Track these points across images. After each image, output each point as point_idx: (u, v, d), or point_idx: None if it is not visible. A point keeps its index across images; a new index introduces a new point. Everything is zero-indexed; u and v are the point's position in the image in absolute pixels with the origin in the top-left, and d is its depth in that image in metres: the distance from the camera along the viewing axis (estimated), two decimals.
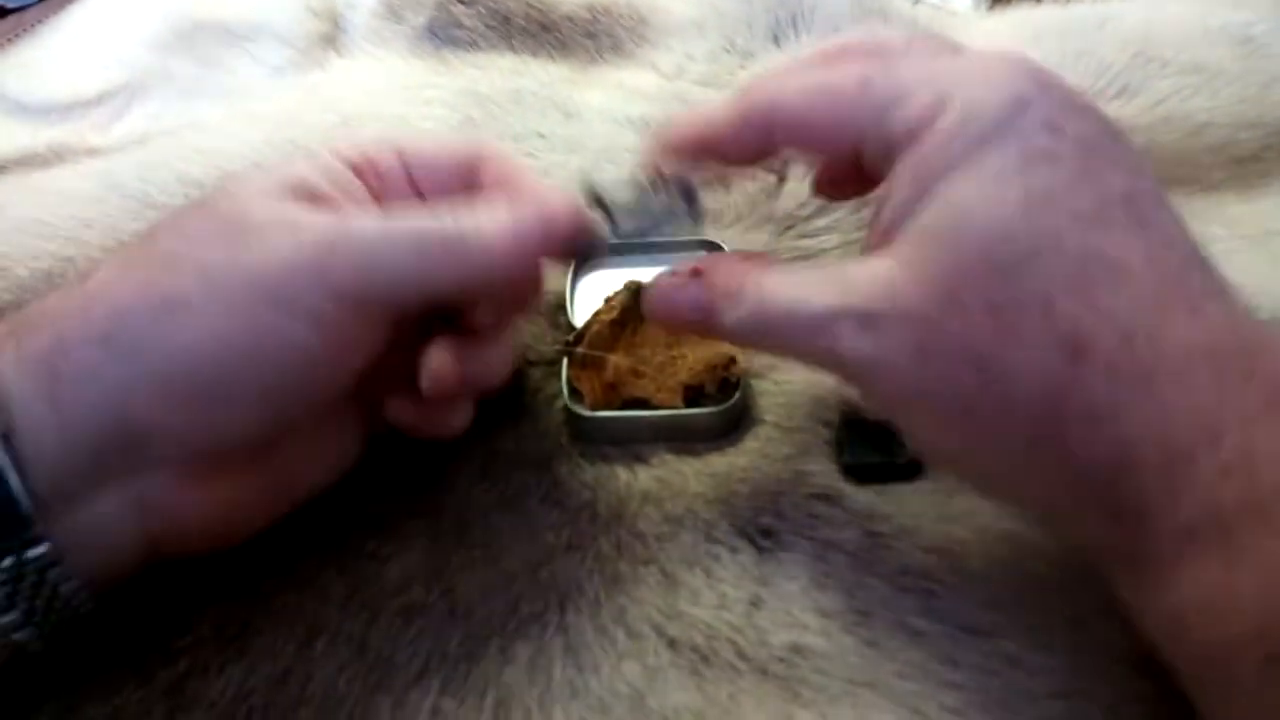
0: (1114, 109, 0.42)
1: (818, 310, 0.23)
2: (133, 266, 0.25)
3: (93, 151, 0.48)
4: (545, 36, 0.50)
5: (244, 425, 0.25)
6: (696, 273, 0.26)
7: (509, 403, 0.32)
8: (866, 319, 0.22)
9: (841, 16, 0.48)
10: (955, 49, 0.25)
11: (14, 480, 0.22)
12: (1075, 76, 0.44)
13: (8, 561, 0.22)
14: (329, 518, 0.29)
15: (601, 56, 0.49)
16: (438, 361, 0.27)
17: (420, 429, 0.29)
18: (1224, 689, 0.20)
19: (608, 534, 0.28)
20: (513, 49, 0.50)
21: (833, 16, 0.48)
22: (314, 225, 0.25)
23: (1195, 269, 0.22)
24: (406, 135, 0.32)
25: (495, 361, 0.29)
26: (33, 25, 0.55)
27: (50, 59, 0.53)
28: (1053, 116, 0.22)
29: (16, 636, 0.23)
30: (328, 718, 0.25)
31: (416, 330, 0.28)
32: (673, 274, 0.27)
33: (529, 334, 0.35)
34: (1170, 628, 0.21)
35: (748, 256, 0.28)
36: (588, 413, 0.31)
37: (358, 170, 0.28)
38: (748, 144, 0.26)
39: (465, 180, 0.29)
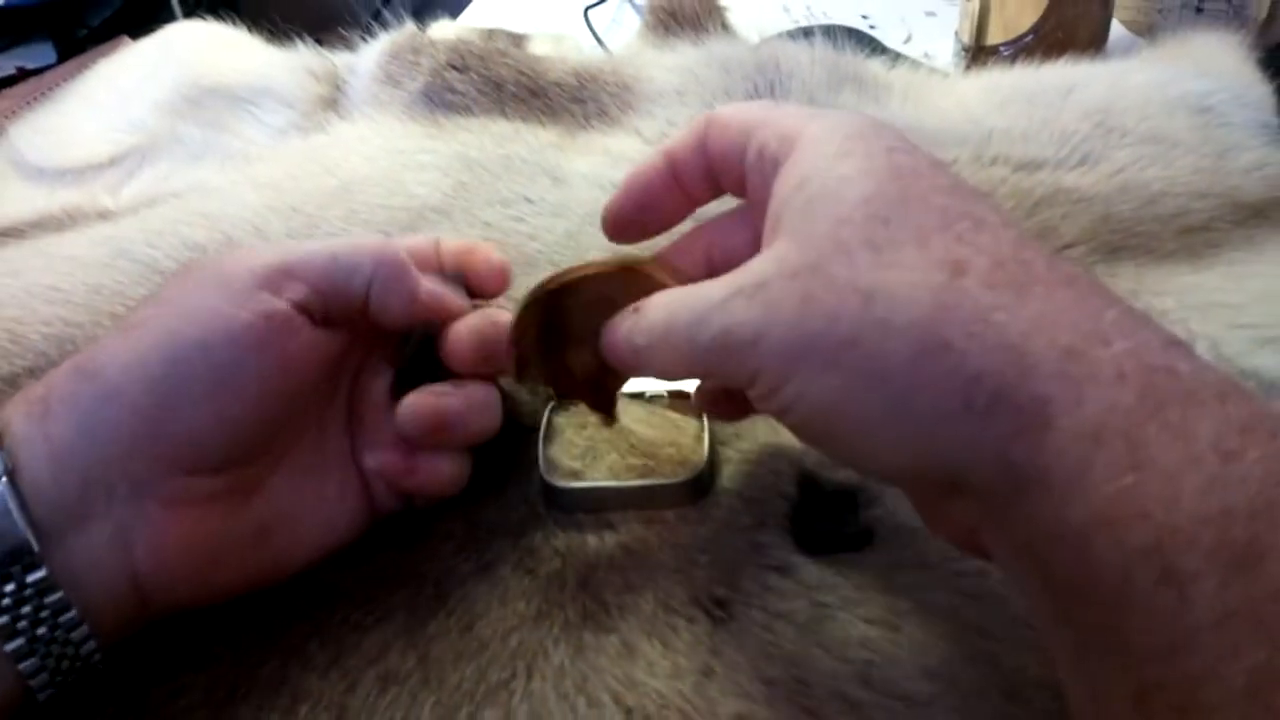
0: (1074, 178, 0.44)
1: (714, 297, 0.25)
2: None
3: (104, 213, 0.51)
4: (535, 102, 0.52)
5: (204, 426, 0.27)
6: (636, 309, 0.28)
7: (494, 472, 0.34)
8: (756, 287, 0.24)
9: (818, 84, 0.50)
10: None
11: (18, 516, 0.25)
12: (1039, 145, 0.46)
13: (9, 587, 0.25)
14: (316, 590, 0.31)
15: (589, 122, 0.51)
16: (413, 398, 0.31)
17: (408, 476, 0.31)
18: (1119, 610, 0.19)
19: (574, 602, 0.30)
20: (505, 114, 0.52)
21: (808, 84, 0.50)
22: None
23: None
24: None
25: (475, 405, 0.32)
26: (50, 89, 0.58)
27: (65, 124, 0.56)
28: (894, 141, 0.25)
29: (24, 667, 0.25)
30: None
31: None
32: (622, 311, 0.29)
33: (511, 400, 0.37)
34: (1071, 546, 0.20)
35: None
36: (562, 483, 0.33)
37: None
38: (695, 165, 0.30)
39: None
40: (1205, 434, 0.20)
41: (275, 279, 0.28)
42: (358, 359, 0.33)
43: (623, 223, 0.31)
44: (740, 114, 0.28)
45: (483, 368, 0.32)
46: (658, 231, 0.32)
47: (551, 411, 0.36)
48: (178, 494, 0.27)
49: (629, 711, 0.27)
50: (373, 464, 0.32)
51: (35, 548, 0.25)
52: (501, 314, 0.32)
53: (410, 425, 0.31)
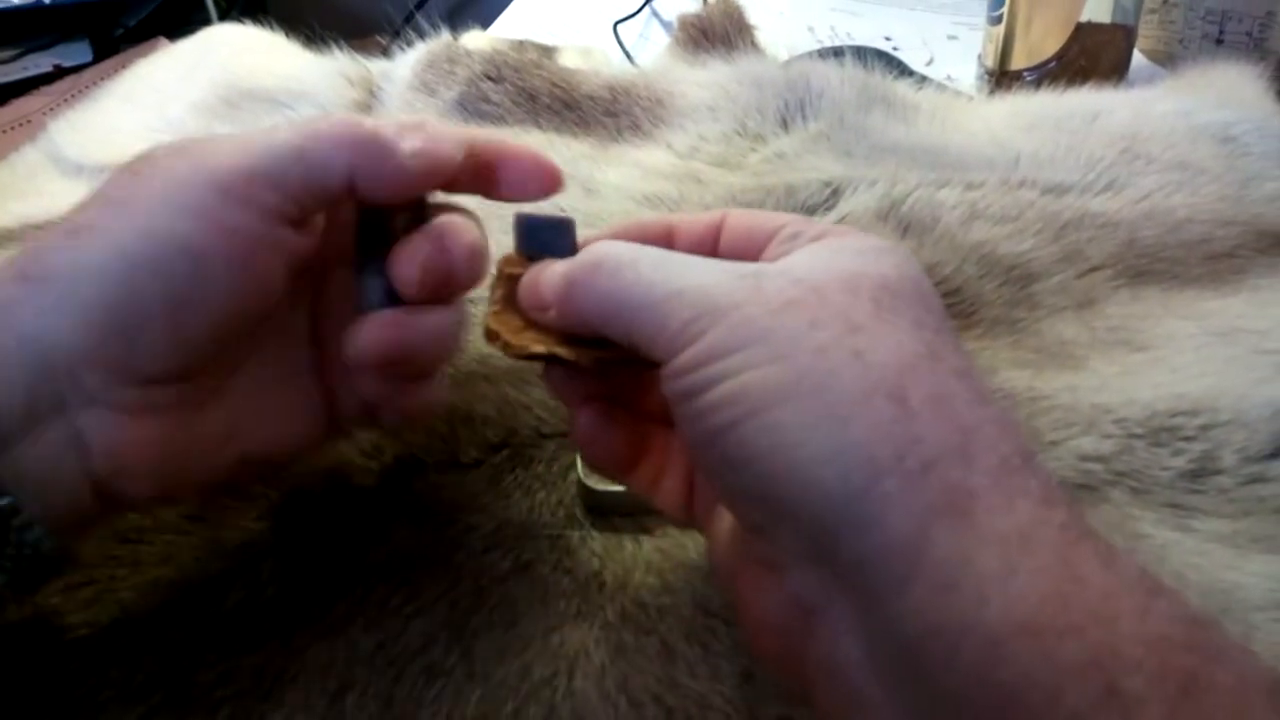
0: (1101, 202, 0.45)
1: (695, 259, 0.25)
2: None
3: None
4: (569, 114, 0.53)
5: (160, 347, 0.25)
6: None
7: (522, 475, 0.35)
8: (750, 272, 0.24)
9: (847, 104, 0.51)
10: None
11: None
12: (1066, 170, 0.47)
13: None
14: (354, 567, 0.31)
15: (621, 135, 0.52)
16: (359, 330, 0.28)
17: (387, 402, 0.30)
18: None
19: (613, 603, 0.31)
20: (538, 125, 0.53)
21: (838, 103, 0.51)
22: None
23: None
24: None
25: (436, 328, 0.29)
26: (87, 87, 0.59)
27: (104, 122, 0.57)
28: (920, 268, 0.26)
29: None
30: None
31: None
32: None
33: (545, 407, 0.37)
34: (977, 650, 0.19)
35: None
36: (599, 486, 0.34)
37: None
38: (700, 236, 0.29)
39: None
40: (1132, 569, 0.19)
41: (241, 188, 0.26)
42: (324, 263, 0.31)
43: None
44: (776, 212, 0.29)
45: (435, 298, 0.29)
46: None
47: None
48: (132, 402, 0.26)
49: (670, 712, 0.28)
50: (349, 386, 0.30)
51: None
52: (457, 230, 0.29)
53: (360, 359, 0.29)
